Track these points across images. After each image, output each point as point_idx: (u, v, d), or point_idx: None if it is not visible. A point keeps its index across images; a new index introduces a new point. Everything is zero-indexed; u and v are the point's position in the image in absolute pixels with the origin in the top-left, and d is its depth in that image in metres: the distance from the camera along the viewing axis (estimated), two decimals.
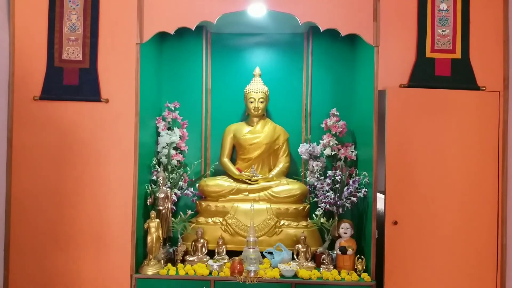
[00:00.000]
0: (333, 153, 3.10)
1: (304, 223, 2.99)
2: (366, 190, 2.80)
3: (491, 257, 2.60)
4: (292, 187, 3.08)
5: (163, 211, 2.89)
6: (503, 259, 2.59)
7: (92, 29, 2.67)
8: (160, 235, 2.78)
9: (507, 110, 2.62)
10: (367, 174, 2.77)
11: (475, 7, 2.64)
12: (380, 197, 2.67)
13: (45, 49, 2.67)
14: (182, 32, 2.71)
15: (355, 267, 2.71)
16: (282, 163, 3.30)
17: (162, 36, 3.02)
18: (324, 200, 2.94)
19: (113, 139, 2.66)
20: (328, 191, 2.95)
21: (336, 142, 3.12)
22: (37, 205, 2.65)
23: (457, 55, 2.64)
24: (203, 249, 2.88)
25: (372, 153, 2.64)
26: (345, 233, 2.84)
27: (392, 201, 2.58)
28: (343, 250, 2.74)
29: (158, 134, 3.19)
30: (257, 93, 3.24)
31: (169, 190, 2.96)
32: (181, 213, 2.96)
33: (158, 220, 2.78)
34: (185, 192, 3.19)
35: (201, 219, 3.03)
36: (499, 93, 2.62)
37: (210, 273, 2.67)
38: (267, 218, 2.95)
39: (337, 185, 2.93)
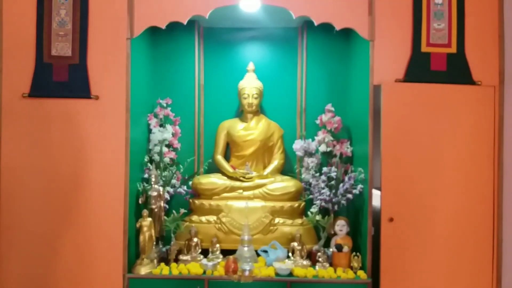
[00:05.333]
0: (329, 149, 3.08)
1: (299, 220, 2.96)
2: (362, 186, 2.78)
3: (487, 252, 2.59)
4: (287, 184, 3.06)
5: (156, 210, 2.85)
6: (499, 254, 2.59)
7: (82, 24, 2.62)
8: (153, 234, 2.74)
9: (502, 105, 2.61)
10: (362, 171, 2.74)
11: (470, 1, 2.63)
12: (376, 193, 2.65)
13: (33, 45, 2.61)
14: (174, 26, 2.66)
15: (351, 264, 2.69)
16: (276, 160, 3.27)
17: (153, 31, 2.97)
18: (320, 197, 2.91)
19: (104, 136, 2.61)
20: (323, 188, 2.92)
21: (331, 138, 3.09)
22: (27, 204, 2.60)
23: (453, 49, 2.62)
24: (197, 248, 2.84)
25: (368, 149, 2.63)
26: (340, 230, 2.81)
27: (388, 197, 2.56)
28: (339, 248, 2.71)
29: (150, 131, 3.14)
30: (251, 88, 3.21)
31: (161, 188, 2.92)
32: (174, 211, 2.93)
33: (150, 219, 2.74)
34: (178, 190, 3.16)
35: (195, 218, 2.99)
36: (495, 87, 2.61)
37: (204, 272, 2.64)
38: (262, 216, 2.92)
39: (333, 182, 2.91)
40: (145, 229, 2.69)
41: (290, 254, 2.79)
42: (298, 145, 3.13)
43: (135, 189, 2.82)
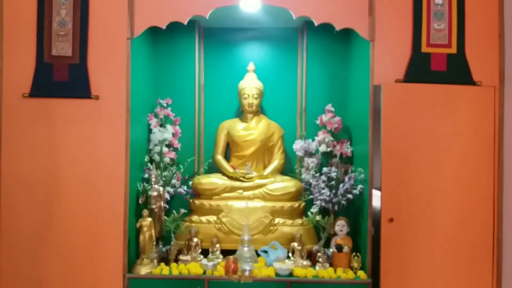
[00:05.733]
0: (329, 149, 3.08)
1: (299, 221, 2.96)
2: (362, 187, 2.78)
3: (487, 253, 2.59)
4: (287, 184, 3.05)
5: (156, 210, 2.85)
6: (499, 255, 2.58)
7: (82, 24, 2.62)
8: (153, 234, 2.74)
9: (502, 105, 2.61)
10: (362, 171, 2.74)
11: (470, 1, 2.63)
12: (376, 193, 2.65)
13: (34, 45, 2.61)
14: (174, 26, 2.66)
15: (351, 265, 2.69)
16: (277, 160, 3.27)
17: (153, 31, 2.97)
18: (320, 197, 2.91)
19: (104, 136, 2.61)
20: (323, 188, 2.92)
21: (332, 139, 3.09)
22: (27, 204, 2.60)
23: (453, 49, 2.62)
24: (197, 248, 2.84)
25: (368, 149, 2.62)
26: (340, 230, 2.81)
27: (388, 198, 2.56)
28: (339, 248, 2.71)
29: (150, 131, 3.14)
30: (251, 89, 3.22)
31: (161, 188, 2.92)
32: (174, 211, 2.93)
33: (150, 219, 2.74)
34: (178, 190, 3.16)
35: (195, 218, 2.99)
36: (495, 88, 2.61)
37: (204, 272, 2.64)
38: (262, 216, 2.92)
39: (333, 182, 2.91)
40: (145, 229, 2.69)
41: (290, 254, 2.79)
42: (298, 145, 3.13)
43: (135, 189, 2.82)
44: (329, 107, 3.13)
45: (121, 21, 2.61)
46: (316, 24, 2.65)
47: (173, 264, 2.71)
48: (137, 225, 2.71)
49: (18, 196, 2.60)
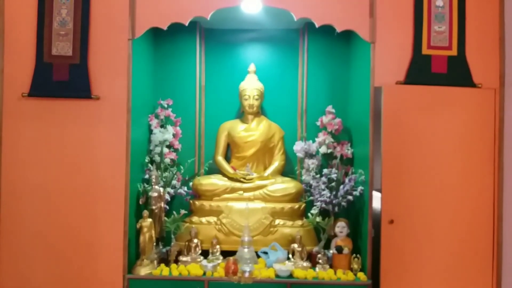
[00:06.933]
0: (329, 151, 3.08)
1: (299, 222, 2.96)
2: (362, 188, 2.78)
3: (487, 255, 2.59)
4: (287, 185, 3.05)
5: (156, 211, 2.85)
6: (499, 257, 2.59)
7: (83, 24, 2.62)
8: (153, 235, 2.74)
9: (502, 107, 2.62)
10: (363, 172, 2.74)
11: (471, 3, 2.63)
12: (376, 195, 2.65)
13: (34, 44, 2.60)
14: (175, 27, 2.67)
15: (351, 266, 2.69)
16: (277, 161, 3.27)
17: (155, 32, 2.98)
18: (320, 198, 2.91)
19: (105, 137, 2.61)
20: (323, 190, 2.92)
21: (332, 140, 3.10)
22: (27, 205, 2.60)
23: (453, 52, 2.62)
24: (197, 249, 2.84)
25: (368, 151, 2.63)
26: (341, 232, 2.81)
27: (388, 199, 2.56)
28: (339, 249, 2.71)
29: (150, 132, 3.14)
30: (252, 90, 3.22)
31: (162, 189, 2.92)
32: (174, 212, 2.92)
33: (150, 219, 2.74)
34: (178, 191, 3.16)
35: (195, 219, 2.98)
36: (495, 90, 2.62)
37: (204, 273, 2.64)
38: (262, 217, 2.92)
39: (333, 184, 2.91)
40: (145, 230, 2.69)
41: (290, 256, 2.79)
42: (298, 147, 3.13)
43: (135, 190, 2.82)
44: (329, 108, 3.13)
45: (123, 22, 2.61)
46: (317, 25, 2.65)
47: (173, 265, 2.71)
48: (137, 226, 2.71)
49: (18, 196, 2.60)
